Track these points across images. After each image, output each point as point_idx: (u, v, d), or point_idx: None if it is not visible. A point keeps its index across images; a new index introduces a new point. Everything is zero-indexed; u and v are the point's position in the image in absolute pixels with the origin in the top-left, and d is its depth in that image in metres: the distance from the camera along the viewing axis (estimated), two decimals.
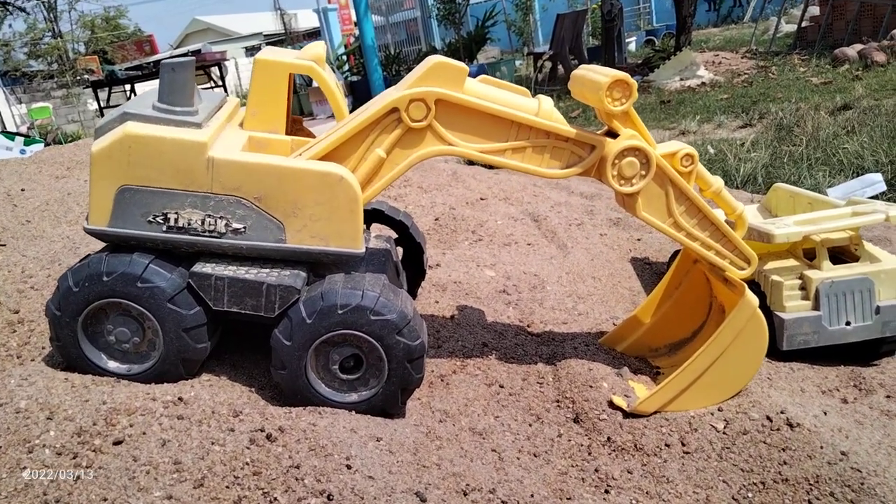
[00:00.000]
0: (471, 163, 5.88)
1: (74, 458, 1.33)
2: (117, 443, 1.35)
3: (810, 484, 1.63)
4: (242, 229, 1.51)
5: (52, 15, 17.18)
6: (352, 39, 15.12)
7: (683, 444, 1.77)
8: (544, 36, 15.35)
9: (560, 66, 12.07)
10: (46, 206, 2.72)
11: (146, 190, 1.47)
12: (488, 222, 3.22)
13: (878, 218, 2.23)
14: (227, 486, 1.29)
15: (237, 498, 1.27)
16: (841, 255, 2.40)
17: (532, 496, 1.52)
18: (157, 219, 1.49)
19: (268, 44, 19.15)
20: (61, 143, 13.58)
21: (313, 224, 1.53)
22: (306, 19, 20.17)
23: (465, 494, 1.44)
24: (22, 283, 1.97)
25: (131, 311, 1.52)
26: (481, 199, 3.68)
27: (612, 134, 1.71)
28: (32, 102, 14.98)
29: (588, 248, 3.16)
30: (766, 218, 2.86)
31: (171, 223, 1.49)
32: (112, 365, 1.56)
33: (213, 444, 1.35)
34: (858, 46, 10.62)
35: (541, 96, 1.68)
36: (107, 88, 11.64)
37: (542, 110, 1.63)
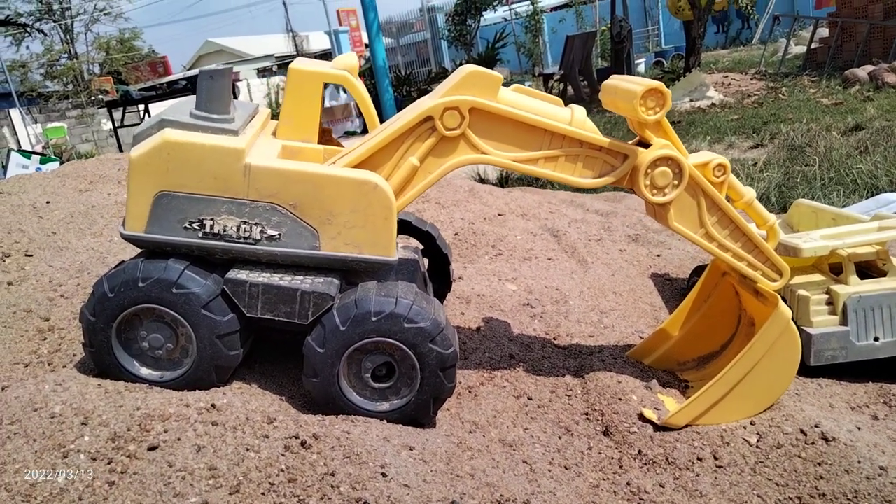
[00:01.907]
0: (482, 179, 5.90)
1: (109, 463, 1.32)
2: (152, 448, 1.34)
3: (848, 499, 1.60)
4: (277, 236, 1.52)
5: (68, 37, 17.49)
6: (362, 61, 15.30)
7: (716, 458, 1.75)
8: (554, 57, 15.48)
9: (570, 87, 12.16)
10: (71, 219, 2.74)
11: (183, 196, 1.48)
12: (507, 237, 3.22)
13: None
14: (263, 493, 1.27)
15: (274, 503, 1.26)
16: (868, 269, 2.38)
17: None
18: (193, 225, 1.50)
19: (279, 66, 19.43)
20: (73, 159, 13.75)
21: (348, 231, 1.53)
22: (318, 41, 20.45)
23: (499, 502, 1.41)
24: (52, 292, 1.98)
25: (165, 317, 1.52)
26: (499, 214, 3.68)
27: (644, 144, 1.71)
28: (48, 122, 15.19)
29: (608, 263, 3.15)
30: (788, 234, 2.85)
31: (207, 229, 1.50)
32: (145, 371, 1.56)
33: (248, 450, 1.34)
34: (869, 68, 10.67)
35: (573, 106, 1.69)
36: (121, 108, 11.79)
37: (576, 119, 1.63)
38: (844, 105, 9.41)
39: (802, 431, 1.78)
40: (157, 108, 14.97)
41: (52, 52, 17.62)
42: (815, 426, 1.78)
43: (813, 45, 12.17)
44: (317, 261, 1.55)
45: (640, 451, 1.76)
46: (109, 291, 1.49)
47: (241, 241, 1.51)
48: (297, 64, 1.69)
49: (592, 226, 3.75)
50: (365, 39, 13.90)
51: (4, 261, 2.26)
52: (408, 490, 1.33)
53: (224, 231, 1.50)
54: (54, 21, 17.00)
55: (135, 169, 1.46)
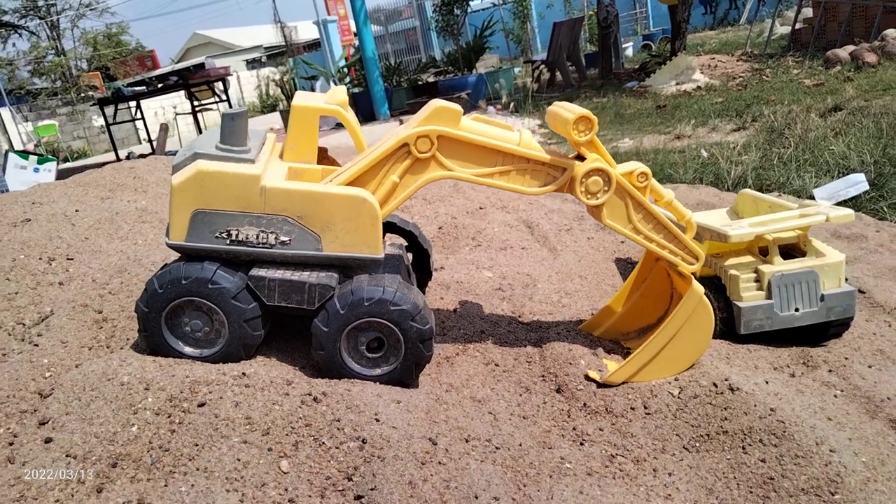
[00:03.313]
0: None
1: (169, 416, 1.80)
2: (201, 405, 1.81)
3: (744, 434, 2.07)
4: (288, 241, 1.99)
5: (54, 33, 17.80)
6: (352, 51, 15.65)
7: (646, 408, 2.23)
8: (542, 43, 15.85)
9: (558, 73, 12.57)
10: (99, 225, 3.19)
11: (214, 213, 1.95)
12: (486, 229, 3.69)
13: (819, 219, 2.68)
14: (287, 434, 1.76)
15: (294, 442, 1.74)
16: (792, 251, 2.85)
17: (520, 445, 1.98)
18: (222, 235, 1.97)
19: (268, 56, 19.77)
20: (68, 160, 14.12)
21: (343, 236, 2.00)
22: (306, 31, 20.77)
23: (467, 441, 1.90)
24: (101, 290, 2.44)
25: (203, 307, 1.99)
26: (480, 208, 4.15)
27: (581, 157, 2.17)
28: (38, 120, 15.57)
29: (576, 250, 3.63)
30: (734, 220, 3.31)
31: (233, 238, 1.97)
32: (188, 350, 2.03)
33: (273, 404, 1.82)
34: (850, 48, 11.01)
35: (521, 129, 2.16)
36: (113, 105, 12.15)
37: (523, 141, 2.10)
38: (825, 86, 9.78)
39: (715, 384, 2.25)
40: (147, 104, 15.31)
41: (39, 49, 17.96)
42: (726, 380, 2.26)
43: (797, 26, 12.52)
44: (319, 259, 2.02)
45: (585, 404, 2.24)
46: (159, 288, 1.96)
47: (260, 246, 1.98)
48: (298, 101, 2.14)
49: (566, 216, 4.22)
50: (354, 28, 14.21)
51: (51, 264, 2.72)
52: (395, 430, 1.81)
53: (246, 239, 1.97)
54: (40, 18, 17.32)
55: (176, 193, 1.93)
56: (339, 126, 10.70)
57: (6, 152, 10.17)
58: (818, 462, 1.94)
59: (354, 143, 2.25)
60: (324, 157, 2.36)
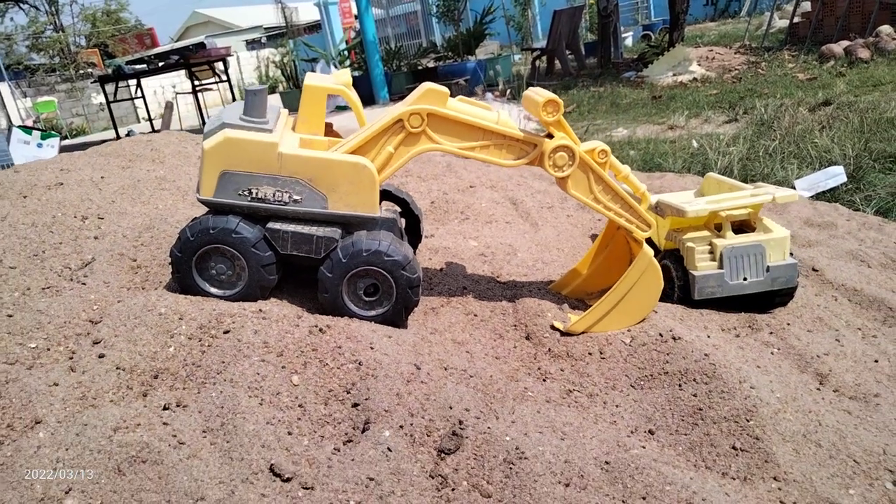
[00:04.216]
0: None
1: (200, 341, 2.23)
2: (226, 332, 2.24)
3: (681, 374, 2.51)
4: (300, 200, 2.41)
5: (53, 8, 18.12)
6: (352, 34, 15.99)
7: (601, 353, 2.66)
8: (543, 30, 16.20)
9: (557, 62, 12.96)
10: (123, 191, 3.61)
11: (238, 173, 2.37)
12: (474, 205, 4.12)
13: (767, 198, 3.11)
14: (297, 356, 2.19)
15: (303, 362, 2.17)
16: (744, 227, 3.27)
17: (491, 377, 2.42)
18: (244, 192, 2.39)
19: (268, 37, 20.10)
20: (67, 137, 14.47)
21: (346, 197, 2.43)
22: (307, 12, 21.09)
23: (446, 370, 2.33)
24: (134, 242, 2.87)
25: (227, 253, 2.42)
26: (470, 186, 4.57)
27: (550, 135, 2.60)
28: (37, 96, 15.93)
29: (556, 226, 4.06)
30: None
31: (254, 195, 2.39)
32: (213, 290, 2.46)
33: (286, 333, 2.25)
34: (845, 43, 11.38)
35: (499, 109, 2.58)
36: (114, 83, 12.49)
37: (501, 120, 2.52)
38: (818, 80, 10.17)
39: (661, 335, 2.69)
40: (147, 82, 15.64)
41: (38, 25, 18.28)
42: (671, 331, 2.70)
43: (795, 20, 12.89)
44: (326, 216, 2.45)
45: (549, 349, 2.67)
46: (191, 236, 2.38)
47: (276, 203, 2.40)
48: (310, 80, 2.56)
49: (550, 195, 4.65)
50: (354, 10, 14.53)
51: (84, 221, 3.14)
52: (386, 356, 2.24)
53: (265, 196, 2.39)
54: None
55: (208, 155, 2.34)
56: (338, 110, 11.09)
57: (9, 127, 10.56)
58: (739, 396, 2.37)
59: (357, 117, 2.67)
60: (329, 130, 2.78)
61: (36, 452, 1.76)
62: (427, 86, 2.46)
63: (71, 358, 2.17)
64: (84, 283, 2.53)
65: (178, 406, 2.00)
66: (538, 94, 2.53)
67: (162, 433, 1.86)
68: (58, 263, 2.66)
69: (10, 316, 2.29)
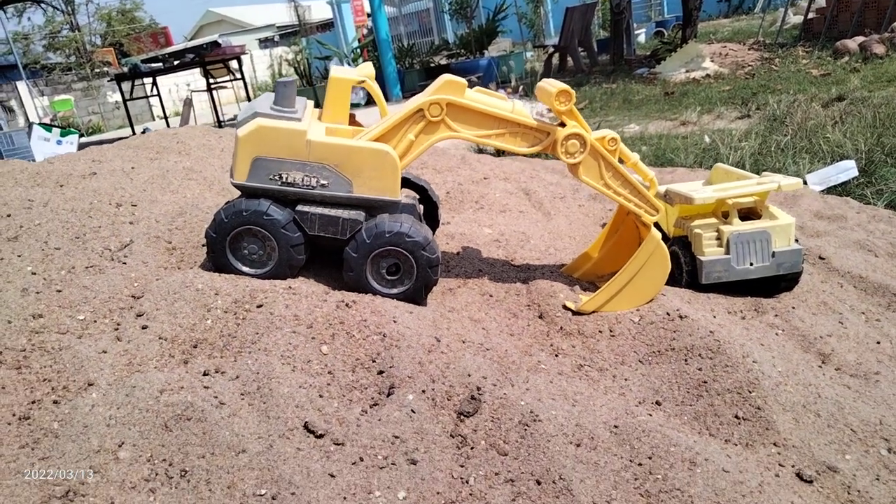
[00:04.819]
0: (481, 151, 6.95)
1: (235, 314, 2.41)
2: (259, 306, 2.43)
3: (687, 350, 2.67)
4: (327, 184, 2.59)
5: (69, 8, 18.49)
6: (365, 31, 16.20)
7: (611, 331, 2.82)
8: (556, 27, 16.33)
9: (569, 59, 13.10)
10: (153, 181, 3.81)
11: (269, 159, 2.55)
12: (488, 195, 4.29)
13: (772, 186, 3.25)
14: (326, 328, 2.37)
15: (332, 334, 2.35)
16: (750, 215, 3.42)
17: (506, 351, 2.59)
18: (275, 177, 2.57)
19: (281, 36, 20.38)
20: (83, 136, 14.78)
21: (370, 182, 2.61)
22: (320, 11, 21.36)
23: (464, 343, 2.51)
24: (168, 226, 3.07)
25: (258, 234, 2.61)
26: (484, 178, 4.75)
27: (563, 124, 2.76)
28: (54, 95, 16.27)
29: (568, 215, 4.22)
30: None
31: (284, 180, 2.57)
32: (246, 269, 2.65)
33: (314, 307, 2.44)
34: (860, 39, 11.43)
35: (514, 99, 2.75)
36: (130, 81, 12.77)
37: (515, 110, 2.69)
38: (832, 76, 10.23)
39: (668, 313, 2.85)
40: (163, 81, 15.94)
41: (54, 24, 18.66)
42: (677, 310, 2.86)
43: (810, 16, 12.95)
44: (351, 200, 2.63)
45: (561, 327, 2.84)
46: (225, 218, 2.57)
47: (305, 187, 2.59)
48: (335, 73, 2.74)
49: (562, 187, 4.81)
50: (367, 9, 14.72)
51: (118, 208, 3.34)
52: (409, 329, 2.42)
53: (294, 181, 2.58)
54: None
55: (241, 142, 2.53)
56: (355, 106, 11.28)
57: (30, 124, 10.85)
58: (742, 369, 2.53)
59: (379, 108, 2.85)
60: (352, 121, 2.96)
61: (91, 410, 1.95)
62: (446, 77, 2.64)
63: (116, 329, 2.36)
64: (125, 263, 2.73)
65: (216, 372, 2.19)
66: (551, 84, 2.69)
67: (204, 395, 2.04)
68: (98, 245, 2.85)
69: (60, 291, 2.49)
